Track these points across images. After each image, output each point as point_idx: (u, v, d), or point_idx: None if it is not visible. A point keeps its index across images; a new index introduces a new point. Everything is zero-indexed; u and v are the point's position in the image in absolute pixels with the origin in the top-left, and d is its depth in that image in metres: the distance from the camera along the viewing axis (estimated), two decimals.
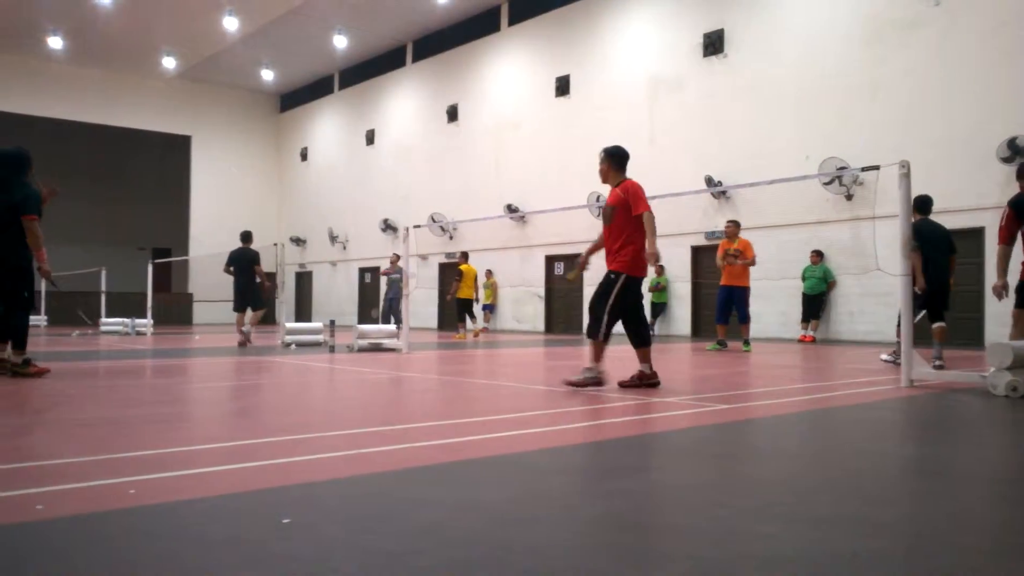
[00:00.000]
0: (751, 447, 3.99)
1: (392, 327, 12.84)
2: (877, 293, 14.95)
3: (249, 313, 13.74)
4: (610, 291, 6.21)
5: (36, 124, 29.64)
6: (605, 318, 6.18)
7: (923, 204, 8.80)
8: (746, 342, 12.12)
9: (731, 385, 6.83)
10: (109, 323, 19.94)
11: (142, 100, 30.33)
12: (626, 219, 6.27)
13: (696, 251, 18.40)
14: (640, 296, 6.45)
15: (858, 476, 3.15)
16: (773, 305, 16.76)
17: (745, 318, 12.12)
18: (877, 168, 6.89)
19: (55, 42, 25.86)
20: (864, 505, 2.63)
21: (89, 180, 34.04)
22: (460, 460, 3.39)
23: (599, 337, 6.17)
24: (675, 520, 2.39)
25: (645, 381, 6.24)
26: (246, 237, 14.17)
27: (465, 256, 18.69)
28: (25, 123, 29.49)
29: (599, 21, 20.76)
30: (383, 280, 20.39)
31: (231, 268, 13.81)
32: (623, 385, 6.24)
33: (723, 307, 12.21)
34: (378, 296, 27.16)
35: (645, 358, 6.29)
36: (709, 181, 17.48)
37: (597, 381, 6.15)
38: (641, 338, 6.32)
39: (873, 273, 14.13)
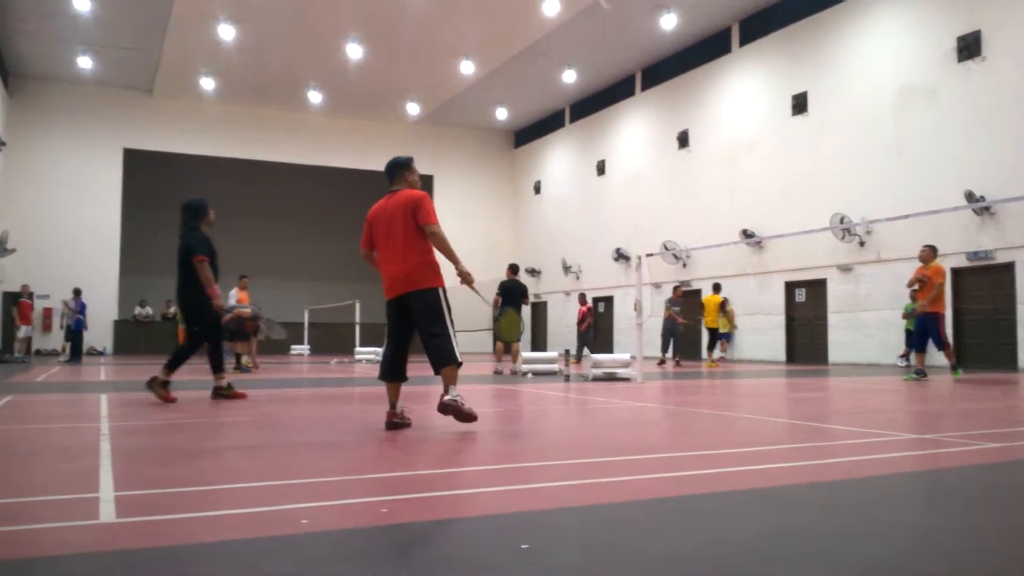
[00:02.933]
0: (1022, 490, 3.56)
1: (626, 356, 12.80)
2: None
3: (513, 346, 13.91)
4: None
5: (297, 171, 32.87)
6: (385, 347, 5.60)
7: None
8: (953, 368, 12.08)
9: (1001, 421, 6.15)
10: (362, 352, 21.45)
11: (388, 145, 32.62)
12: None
13: (956, 273, 16.81)
14: (395, 322, 5.49)
15: None
16: None
17: (937, 346, 11.99)
18: None
19: (314, 96, 28.57)
20: None
21: (343, 221, 37.09)
22: (698, 493, 3.30)
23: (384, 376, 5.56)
24: (938, 567, 2.18)
25: (395, 420, 5.51)
26: (515, 269, 14.26)
27: (715, 288, 19.81)
28: (287, 171, 32.82)
29: (837, 33, 19.76)
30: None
31: (500, 299, 13.77)
32: (389, 427, 5.49)
33: (919, 335, 12.26)
34: (611, 325, 27.36)
35: (394, 394, 5.58)
36: (970, 196, 15.98)
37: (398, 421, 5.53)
38: (392, 373, 5.55)
39: None
